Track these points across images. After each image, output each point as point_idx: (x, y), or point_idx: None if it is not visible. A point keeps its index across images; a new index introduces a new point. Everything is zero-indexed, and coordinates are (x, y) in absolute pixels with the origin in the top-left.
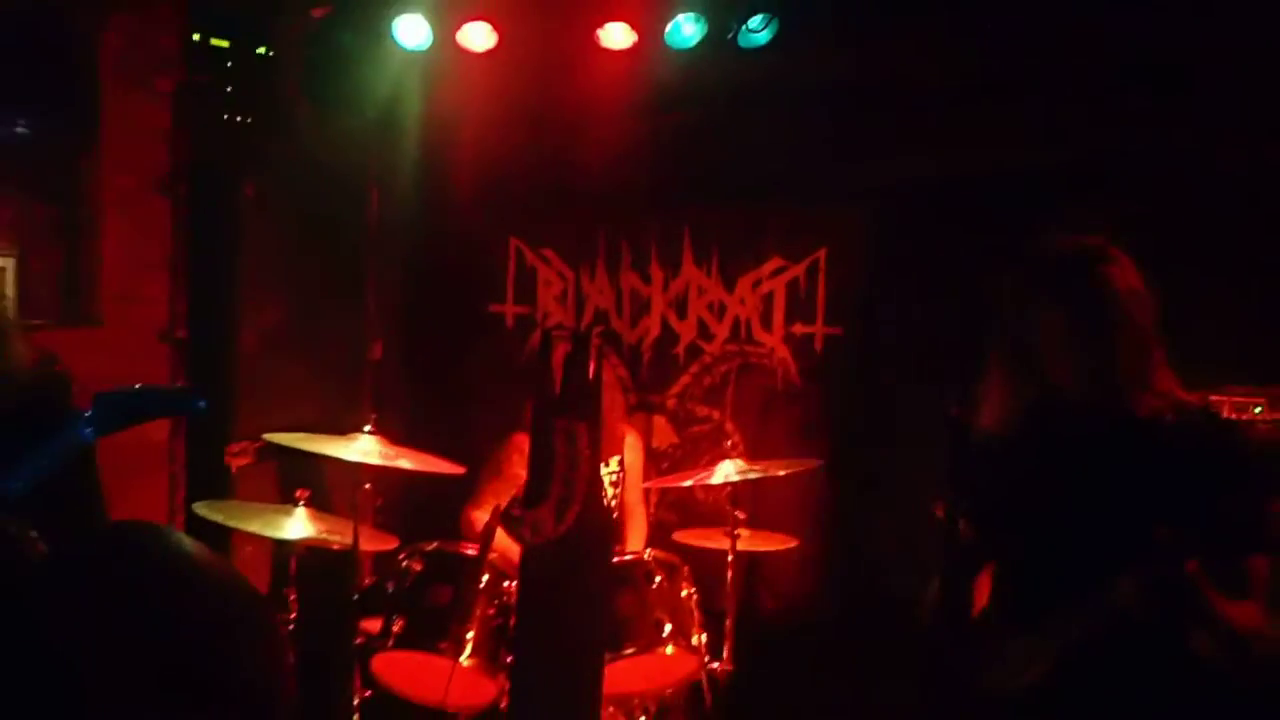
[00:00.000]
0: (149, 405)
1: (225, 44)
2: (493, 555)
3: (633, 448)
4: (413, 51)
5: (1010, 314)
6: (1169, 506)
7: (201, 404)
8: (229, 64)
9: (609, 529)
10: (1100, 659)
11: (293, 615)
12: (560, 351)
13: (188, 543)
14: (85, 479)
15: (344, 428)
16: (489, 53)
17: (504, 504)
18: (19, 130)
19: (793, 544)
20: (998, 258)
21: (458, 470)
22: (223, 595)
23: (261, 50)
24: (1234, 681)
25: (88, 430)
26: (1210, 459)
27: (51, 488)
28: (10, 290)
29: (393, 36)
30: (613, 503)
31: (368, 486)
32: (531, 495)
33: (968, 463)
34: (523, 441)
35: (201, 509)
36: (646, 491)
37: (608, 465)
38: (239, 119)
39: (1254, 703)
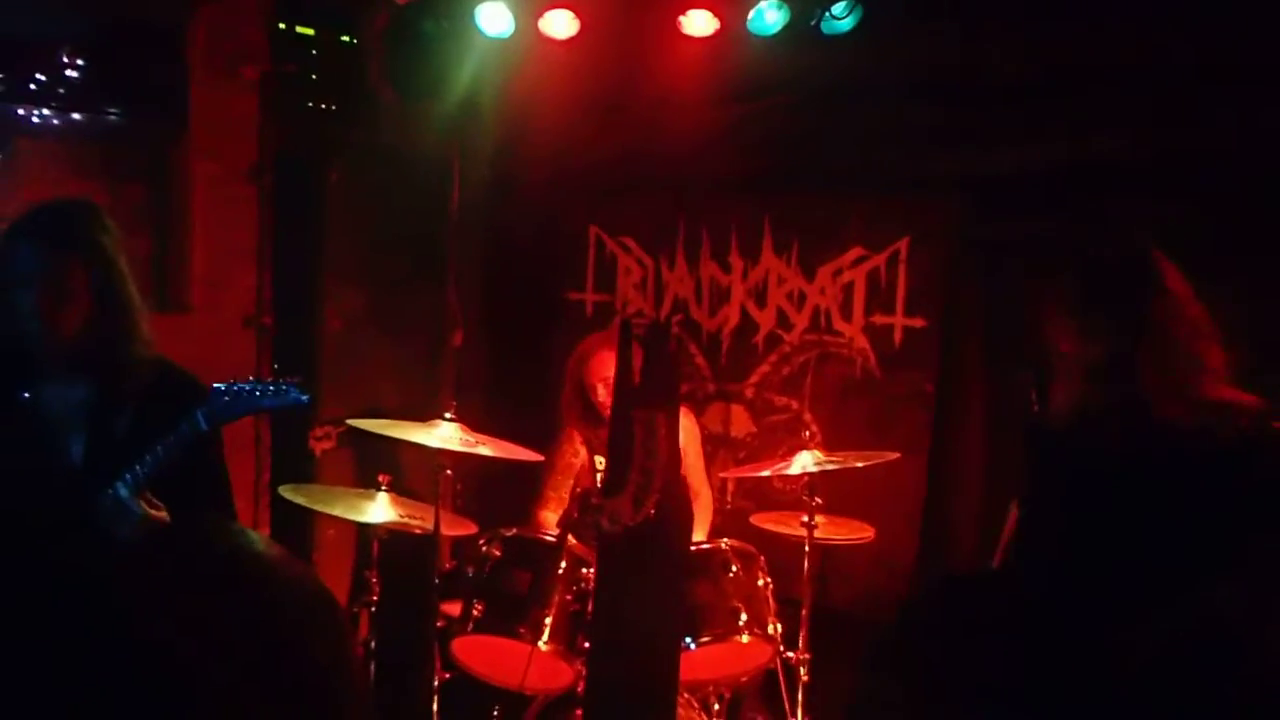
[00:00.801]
0: (259, 399)
1: (310, 32)
2: (571, 542)
3: (686, 430)
4: (495, 39)
5: (1052, 321)
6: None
7: (305, 399)
8: (314, 52)
9: (686, 518)
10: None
11: (375, 598)
12: (638, 340)
13: (259, 540)
14: (207, 465)
15: (425, 414)
16: (570, 40)
17: (578, 492)
18: (111, 119)
19: (869, 534)
20: (1072, 252)
21: (536, 457)
22: (295, 593)
23: (346, 38)
24: None
25: (202, 420)
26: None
27: (176, 474)
28: None
29: (475, 24)
30: None
31: (448, 472)
32: (610, 484)
33: (1032, 459)
34: (572, 432)
35: (287, 492)
36: (723, 481)
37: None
38: (323, 107)
39: None
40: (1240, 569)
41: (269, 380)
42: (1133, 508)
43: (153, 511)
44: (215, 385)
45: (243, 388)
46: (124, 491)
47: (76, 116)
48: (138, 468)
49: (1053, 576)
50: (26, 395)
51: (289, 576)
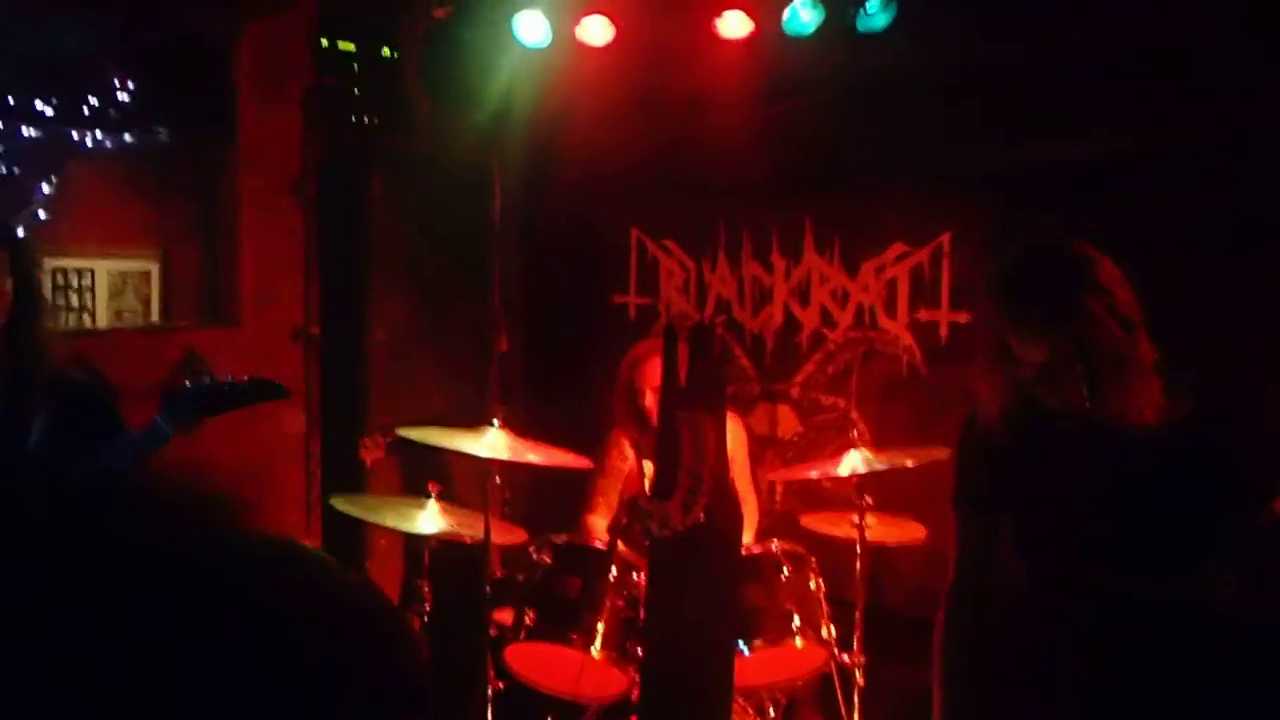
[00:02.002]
0: (220, 399)
1: (351, 47)
2: (621, 548)
3: (733, 433)
4: (532, 48)
5: (992, 315)
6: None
7: (272, 393)
8: (355, 66)
9: (737, 521)
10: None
11: (427, 607)
12: (684, 343)
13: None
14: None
15: (473, 421)
16: (607, 46)
17: (626, 497)
18: (161, 137)
19: (921, 534)
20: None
21: (584, 463)
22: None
23: (386, 52)
24: None
25: (165, 426)
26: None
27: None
28: (155, 292)
29: (513, 33)
30: None
31: (497, 480)
32: (658, 488)
33: (968, 455)
34: (620, 436)
35: (338, 502)
36: (771, 482)
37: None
38: (366, 119)
39: None
40: (1224, 555)
41: (233, 380)
42: (1094, 502)
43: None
44: (168, 390)
45: (205, 389)
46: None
47: (127, 137)
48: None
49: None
50: None
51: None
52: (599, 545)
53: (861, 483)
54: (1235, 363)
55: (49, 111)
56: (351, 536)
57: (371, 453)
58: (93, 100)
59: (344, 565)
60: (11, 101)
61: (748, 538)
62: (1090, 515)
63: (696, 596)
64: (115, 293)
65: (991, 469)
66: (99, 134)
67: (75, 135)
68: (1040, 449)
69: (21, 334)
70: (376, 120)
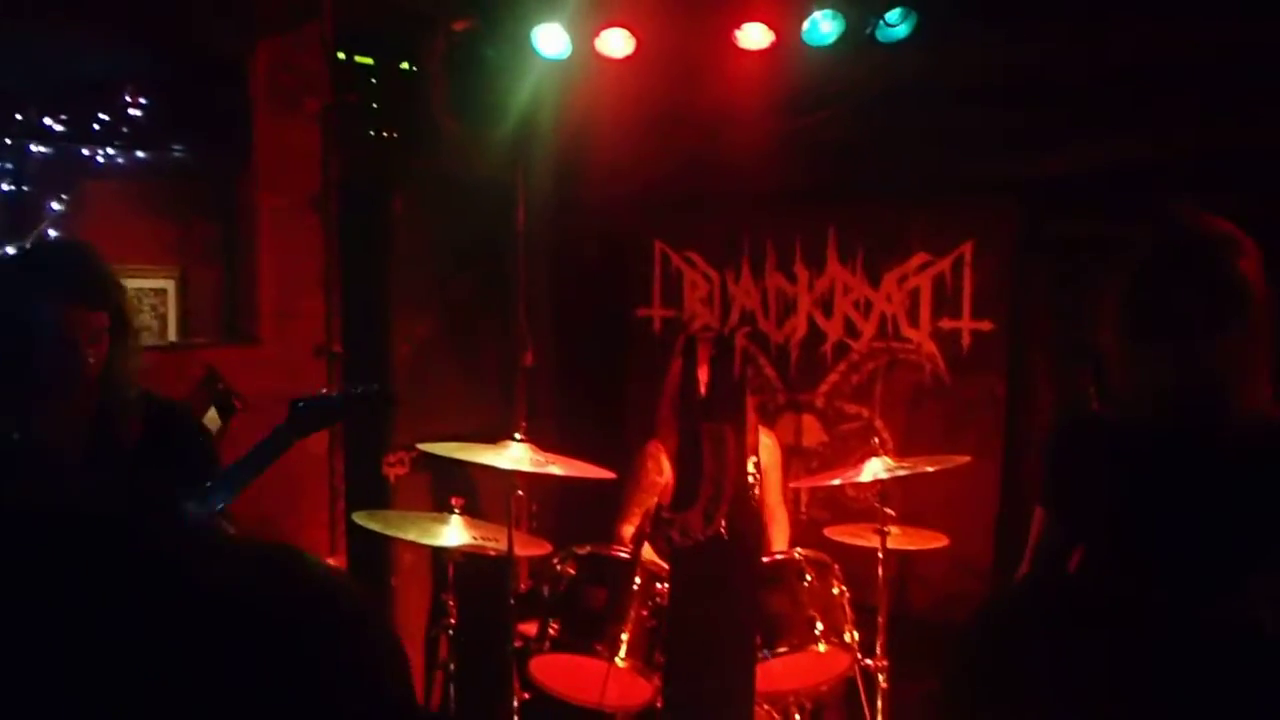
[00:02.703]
0: (337, 408)
1: (370, 61)
2: (645, 558)
3: (768, 449)
4: (552, 60)
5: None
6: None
7: (389, 397)
8: (374, 81)
9: (759, 530)
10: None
11: (453, 621)
12: (705, 354)
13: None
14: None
15: (499, 435)
16: (628, 58)
17: (652, 508)
18: (177, 155)
19: (943, 542)
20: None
21: (608, 475)
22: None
23: (405, 66)
24: None
25: (291, 433)
26: None
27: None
28: (173, 310)
29: (532, 46)
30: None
31: (520, 493)
32: (680, 498)
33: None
34: (657, 449)
35: (361, 518)
36: (796, 491)
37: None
38: (385, 135)
39: None
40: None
41: (349, 389)
42: (1211, 505)
43: (231, 529)
44: (294, 399)
45: (321, 397)
46: (199, 512)
47: (141, 155)
48: (219, 490)
49: (1131, 574)
50: (16, 436)
51: (370, 611)
52: (623, 555)
53: (883, 489)
54: None
55: (59, 128)
56: (377, 553)
57: (395, 469)
58: (104, 117)
59: (334, 570)
60: (20, 118)
61: (780, 548)
62: (1169, 537)
63: (717, 605)
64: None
65: (1075, 475)
66: (111, 151)
67: (86, 152)
68: (1121, 460)
69: (119, 363)
70: (396, 136)
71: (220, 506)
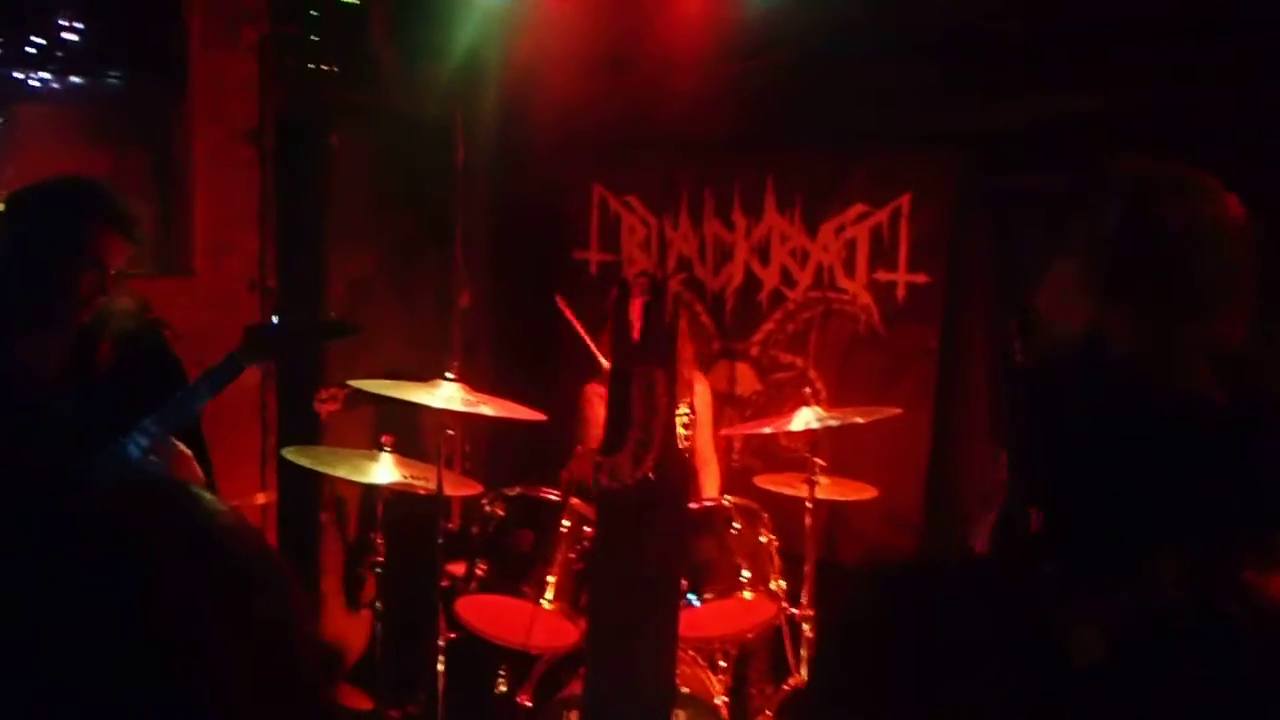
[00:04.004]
0: (294, 335)
1: None
2: (574, 500)
3: (701, 394)
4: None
5: (1072, 239)
6: (1205, 484)
7: (342, 331)
8: (314, 13)
9: (686, 475)
10: (1144, 638)
11: (380, 559)
12: (638, 299)
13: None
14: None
15: (432, 374)
16: (572, 1)
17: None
18: (112, 82)
19: (872, 493)
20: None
21: (539, 417)
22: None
23: None
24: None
25: (244, 359)
26: (1247, 433)
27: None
28: None
29: None
30: (685, 447)
31: (450, 432)
32: (609, 442)
33: (1014, 402)
34: (593, 392)
35: (290, 454)
36: (729, 439)
37: (679, 408)
38: (325, 68)
39: None
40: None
41: (305, 318)
42: (1155, 473)
43: (182, 449)
44: (248, 325)
45: (278, 324)
46: (154, 431)
47: (76, 80)
48: (173, 409)
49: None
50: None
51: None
52: (552, 498)
53: (814, 439)
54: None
55: None
56: (308, 489)
57: (327, 405)
58: (39, 40)
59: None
60: None
61: (711, 494)
62: (1129, 480)
63: (642, 549)
64: None
65: (1039, 419)
66: (45, 75)
67: (20, 75)
68: (1095, 407)
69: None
70: (336, 70)
71: (164, 428)
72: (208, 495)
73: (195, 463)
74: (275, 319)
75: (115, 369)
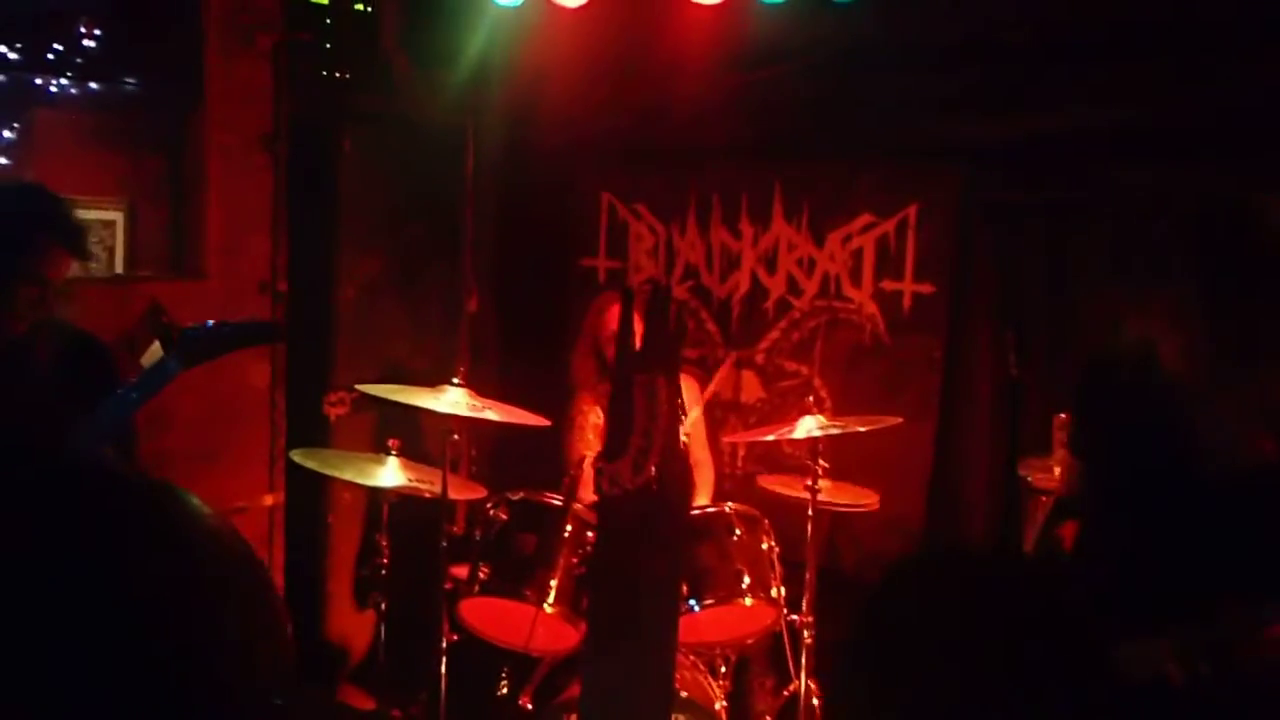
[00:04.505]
0: (227, 339)
1: (324, 0)
2: (577, 505)
3: (689, 397)
4: (507, 6)
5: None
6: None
7: (275, 335)
8: (327, 20)
9: (688, 482)
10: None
11: (385, 561)
12: (641, 306)
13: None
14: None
15: (439, 379)
16: (581, 8)
17: (587, 460)
18: (129, 88)
19: (874, 500)
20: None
21: (543, 423)
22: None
23: (360, 6)
24: None
25: (173, 363)
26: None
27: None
28: (120, 242)
29: None
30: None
31: (455, 437)
32: (611, 448)
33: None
34: (584, 400)
35: (297, 456)
36: (733, 445)
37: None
38: (337, 75)
39: None
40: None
41: (240, 322)
42: (1209, 545)
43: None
44: (182, 329)
45: (211, 327)
46: (85, 437)
47: (94, 86)
48: (104, 414)
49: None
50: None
51: (224, 536)
52: (555, 502)
53: (816, 446)
54: None
55: (12, 56)
56: (315, 491)
57: (336, 409)
58: (58, 46)
59: (217, 516)
60: None
61: (704, 499)
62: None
63: (643, 554)
64: None
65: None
66: (64, 81)
67: (39, 81)
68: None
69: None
70: (349, 76)
71: (104, 431)
72: (190, 497)
73: None
74: (209, 323)
75: (55, 371)
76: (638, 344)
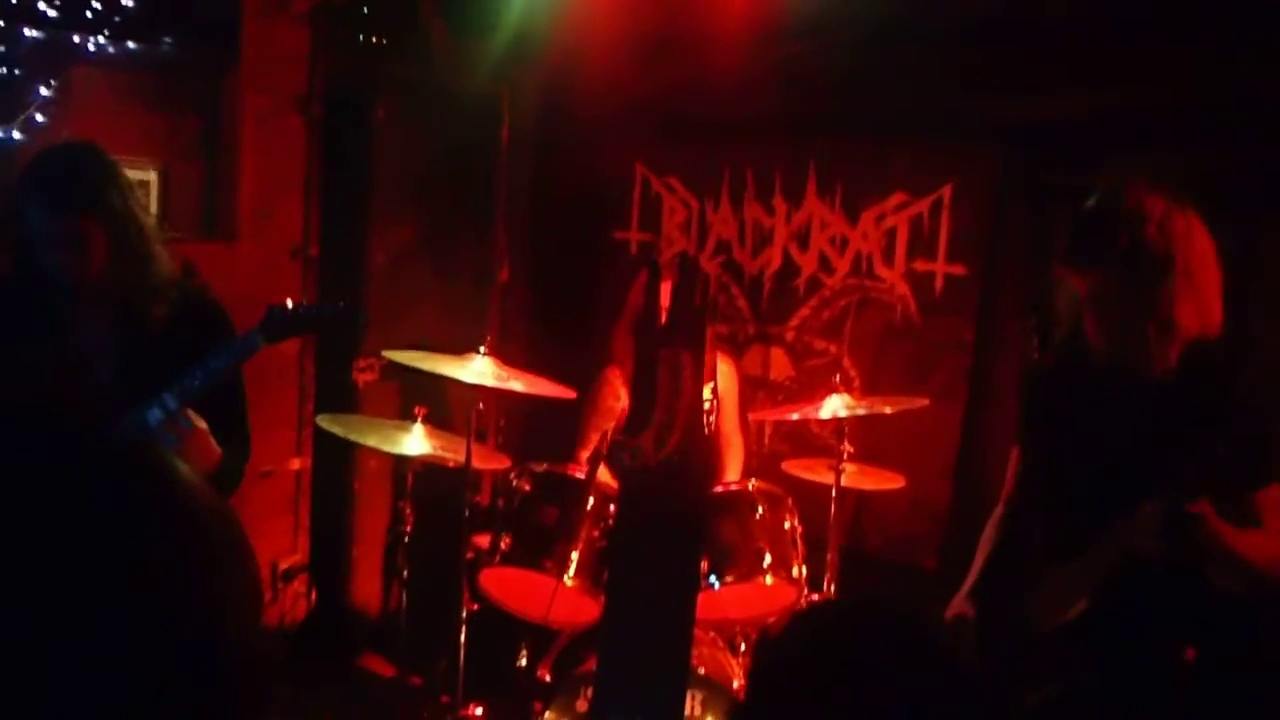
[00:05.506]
0: (308, 321)
1: None
2: (600, 480)
3: (726, 375)
4: None
5: (1060, 263)
6: (1178, 448)
7: (359, 316)
8: None
9: (710, 458)
10: (1124, 596)
11: (408, 528)
12: (668, 280)
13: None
14: (236, 384)
15: (469, 348)
16: None
17: (610, 432)
18: (166, 48)
19: (900, 483)
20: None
21: (569, 394)
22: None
23: None
24: (1253, 611)
25: (259, 336)
26: (1213, 395)
27: (216, 391)
28: (154, 203)
29: None
30: (709, 429)
31: (481, 406)
32: (633, 422)
33: (1024, 399)
34: (614, 374)
35: (324, 422)
36: (760, 423)
37: (718, 397)
38: (374, 41)
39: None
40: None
41: (318, 304)
42: (1133, 444)
43: (198, 424)
44: (271, 304)
45: (298, 306)
46: (172, 402)
47: (131, 45)
48: (190, 381)
49: (1081, 520)
50: (60, 322)
51: (213, 510)
52: (578, 475)
53: (841, 427)
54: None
55: (51, 13)
56: (342, 456)
57: (365, 375)
58: (96, 5)
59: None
60: (14, 1)
61: (734, 476)
62: (1096, 454)
63: (663, 529)
64: None
65: (1034, 410)
66: (101, 40)
67: (77, 39)
68: (1068, 390)
69: (126, 256)
70: (385, 43)
71: (182, 400)
72: (183, 469)
73: (210, 437)
74: (294, 302)
75: (169, 331)
76: (662, 319)
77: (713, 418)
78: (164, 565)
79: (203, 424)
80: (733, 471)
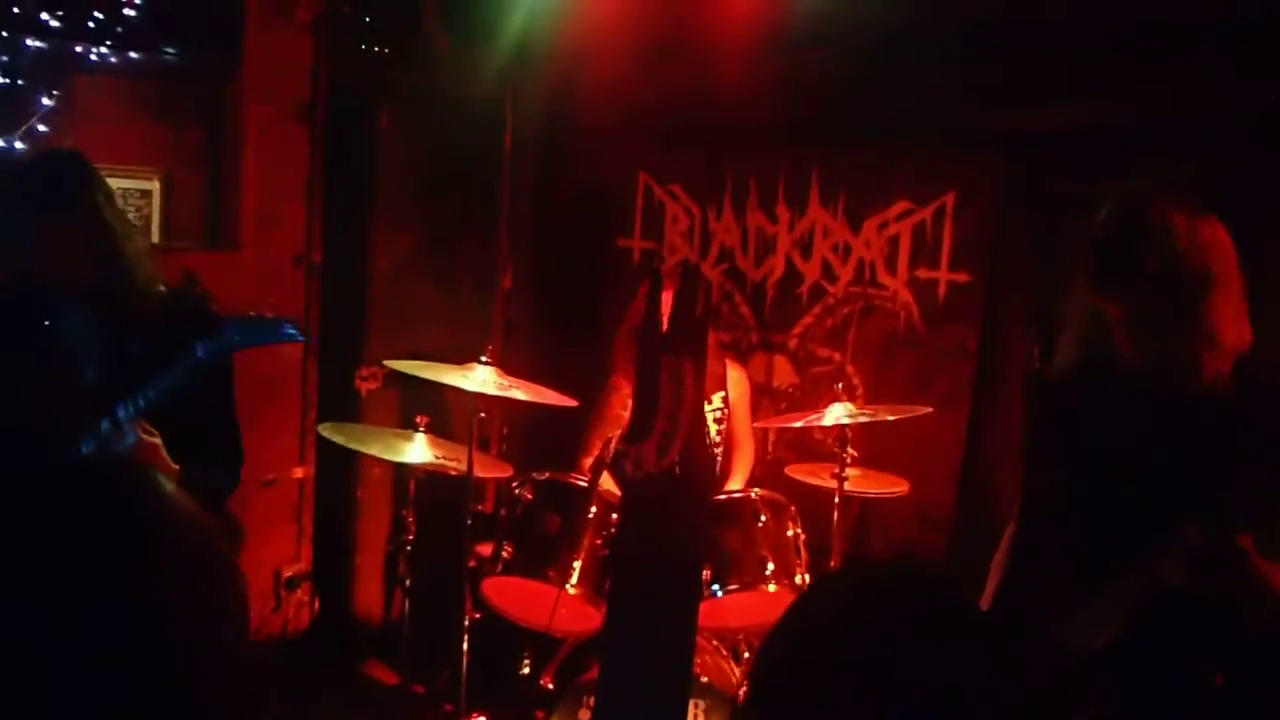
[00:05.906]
0: (258, 334)
1: None
2: (602, 488)
3: (737, 383)
4: None
5: (1090, 291)
6: (1215, 477)
7: (300, 336)
8: None
9: (712, 467)
10: (1154, 623)
11: (410, 537)
12: (670, 288)
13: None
14: (218, 397)
15: (472, 356)
16: None
17: (613, 441)
18: (168, 57)
19: (902, 489)
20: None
21: (571, 403)
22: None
23: None
24: None
25: (200, 351)
26: (1254, 424)
27: (186, 404)
28: (156, 212)
29: None
30: (718, 439)
31: (483, 415)
32: (635, 431)
33: (1039, 414)
34: (620, 384)
35: (326, 430)
36: (764, 431)
37: (710, 403)
38: (376, 49)
39: None
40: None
41: (269, 317)
42: (1168, 469)
43: (145, 437)
44: (224, 318)
45: (245, 321)
46: (122, 414)
47: (134, 55)
48: (142, 393)
49: (1110, 546)
50: (47, 323)
51: (189, 526)
52: (580, 483)
53: (845, 434)
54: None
55: (54, 23)
56: (345, 464)
57: (367, 384)
58: (99, 15)
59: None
60: (17, 11)
61: (739, 483)
62: (1132, 474)
63: (665, 537)
64: None
65: (1054, 426)
66: (104, 50)
67: (80, 49)
68: (1097, 408)
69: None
70: (388, 51)
71: (133, 413)
72: (160, 486)
73: (161, 451)
74: (249, 315)
75: (161, 336)
76: (663, 327)
77: (724, 426)
78: (131, 579)
79: (153, 438)
80: (741, 474)
